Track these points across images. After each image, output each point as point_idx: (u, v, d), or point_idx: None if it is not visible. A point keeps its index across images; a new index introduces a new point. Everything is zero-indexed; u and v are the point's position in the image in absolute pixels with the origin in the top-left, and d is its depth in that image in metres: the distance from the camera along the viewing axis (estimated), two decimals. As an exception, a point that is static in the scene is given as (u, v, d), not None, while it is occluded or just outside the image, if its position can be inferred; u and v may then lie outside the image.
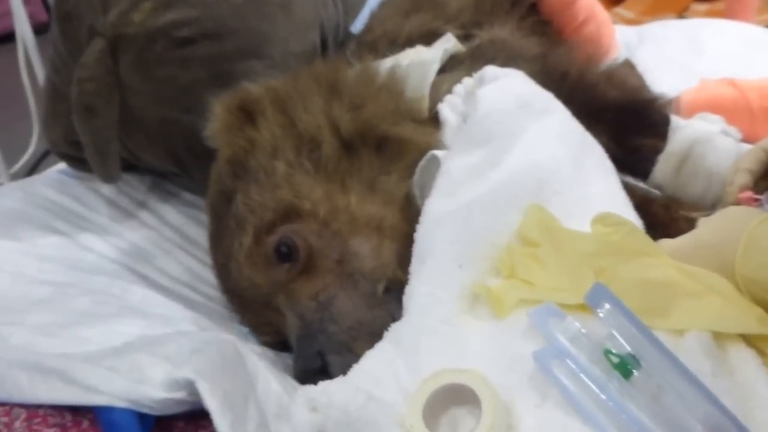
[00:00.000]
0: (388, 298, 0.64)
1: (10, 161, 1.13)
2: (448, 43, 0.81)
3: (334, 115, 0.70)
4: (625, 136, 0.74)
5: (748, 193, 0.64)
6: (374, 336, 0.58)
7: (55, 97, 0.87)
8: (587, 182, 0.59)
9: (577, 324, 0.47)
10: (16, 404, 0.56)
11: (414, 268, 0.58)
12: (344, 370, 0.54)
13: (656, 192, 0.74)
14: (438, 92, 0.75)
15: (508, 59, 0.77)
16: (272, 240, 0.67)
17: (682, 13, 1.86)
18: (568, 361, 0.45)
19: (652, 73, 1.06)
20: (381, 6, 1.04)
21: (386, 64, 0.78)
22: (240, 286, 0.70)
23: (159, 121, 0.82)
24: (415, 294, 0.56)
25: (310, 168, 0.70)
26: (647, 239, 0.54)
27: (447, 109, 0.73)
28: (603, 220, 0.55)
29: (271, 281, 0.67)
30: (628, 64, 1.06)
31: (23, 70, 1.06)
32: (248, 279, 0.68)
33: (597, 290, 0.47)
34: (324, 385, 0.50)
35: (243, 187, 0.71)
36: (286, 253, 0.66)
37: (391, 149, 0.71)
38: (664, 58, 1.20)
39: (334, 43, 1.03)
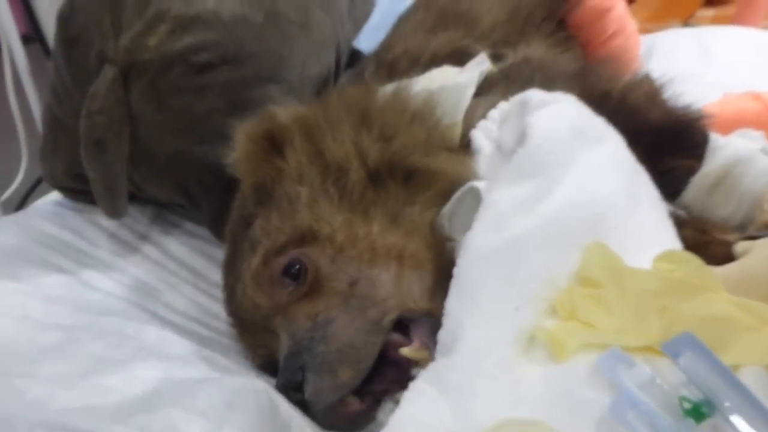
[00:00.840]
0: (398, 328, 0.64)
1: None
2: (483, 65, 0.81)
3: (363, 146, 0.71)
4: (661, 157, 0.75)
5: None
6: (361, 363, 0.59)
7: (57, 128, 0.85)
8: (641, 215, 0.60)
9: (648, 370, 0.48)
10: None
11: (459, 305, 0.57)
12: (318, 393, 0.56)
13: (684, 213, 0.76)
14: (472, 118, 0.76)
15: (545, 80, 0.77)
16: (281, 261, 0.67)
17: (687, 20, 1.89)
18: (643, 411, 0.45)
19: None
20: (401, 21, 1.03)
21: (418, 87, 0.78)
22: (242, 308, 0.70)
23: (170, 153, 0.81)
24: (468, 336, 0.55)
25: (335, 195, 0.70)
26: (712, 275, 0.55)
27: (481, 136, 0.73)
28: (668, 257, 0.55)
29: (273, 303, 0.67)
30: (649, 79, 1.09)
31: (13, 100, 1.04)
32: (251, 300, 0.68)
33: (683, 339, 0.47)
34: None
35: (264, 212, 0.71)
36: (293, 274, 0.66)
37: (419, 180, 0.71)
38: (676, 69, 1.23)
39: (347, 61, 1.04)
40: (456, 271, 0.60)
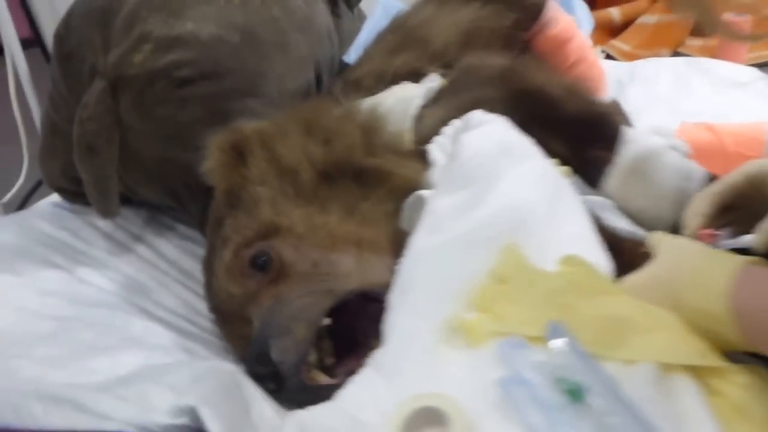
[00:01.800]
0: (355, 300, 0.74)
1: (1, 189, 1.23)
2: (434, 82, 0.93)
3: (309, 150, 0.83)
4: (580, 147, 0.85)
5: (707, 231, 0.74)
6: (312, 321, 0.70)
7: (54, 133, 0.97)
8: (561, 224, 0.70)
9: (537, 355, 0.57)
10: (31, 429, 0.66)
11: (396, 298, 0.68)
12: (283, 352, 0.66)
13: (626, 231, 0.85)
14: (421, 125, 0.87)
15: (479, 84, 0.89)
16: (249, 252, 0.78)
17: (676, 48, 1.97)
18: (528, 387, 0.55)
19: (641, 111, 1.18)
20: (372, 43, 1.16)
21: (368, 103, 0.90)
22: (219, 299, 0.81)
23: (157, 159, 0.93)
24: (398, 324, 0.66)
25: (291, 193, 0.82)
26: (605, 278, 0.64)
27: (436, 150, 0.84)
28: (568, 260, 0.65)
29: (245, 291, 0.78)
30: (616, 105, 1.19)
31: (16, 107, 1.17)
32: (225, 290, 0.79)
33: (554, 327, 0.57)
34: (313, 409, 0.60)
35: (234, 213, 0.82)
36: (260, 264, 0.77)
37: (369, 178, 0.83)
38: (654, 96, 1.33)
39: (329, 75, 1.15)
40: (398, 269, 0.70)
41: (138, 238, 1.05)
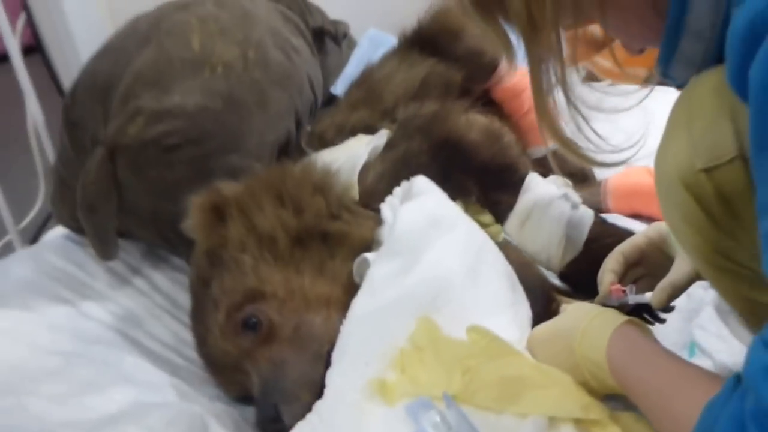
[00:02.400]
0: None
1: (18, 202, 1.40)
2: (381, 139, 1.07)
3: (283, 220, 0.97)
4: (489, 191, 0.99)
5: (617, 286, 0.89)
6: (315, 385, 0.84)
7: (63, 185, 1.13)
8: (478, 291, 0.84)
9: (437, 416, 0.73)
10: (36, 463, 0.83)
11: (335, 358, 0.83)
12: (294, 417, 0.80)
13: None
14: (365, 180, 1.04)
15: (408, 138, 1.06)
16: (240, 316, 0.93)
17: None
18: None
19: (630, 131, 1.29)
20: (343, 96, 1.31)
21: (323, 158, 1.06)
22: (215, 354, 0.96)
23: (150, 211, 1.09)
24: (332, 383, 0.81)
25: (270, 259, 0.96)
26: (505, 343, 0.79)
27: (387, 209, 0.98)
28: (473, 330, 0.80)
29: (239, 349, 0.92)
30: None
31: (35, 151, 1.33)
32: (221, 348, 0.94)
33: (446, 397, 0.72)
34: None
35: (218, 274, 0.96)
36: (251, 326, 0.91)
37: (334, 239, 0.97)
38: (616, 129, 1.42)
39: (310, 117, 1.29)
40: (341, 330, 0.85)
41: (136, 271, 1.21)
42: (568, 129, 0.76)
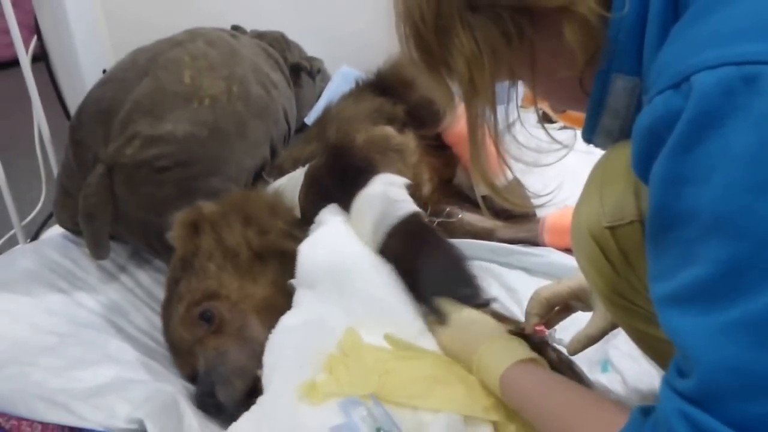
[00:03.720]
0: None
1: (21, 203, 1.63)
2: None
3: (248, 237, 1.21)
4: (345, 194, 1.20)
5: (541, 328, 1.08)
6: (246, 377, 1.07)
7: (65, 194, 1.36)
8: (383, 303, 1.09)
9: (364, 410, 0.96)
10: (36, 421, 1.06)
11: (271, 361, 1.06)
12: (226, 397, 1.04)
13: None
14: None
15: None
16: (198, 309, 1.16)
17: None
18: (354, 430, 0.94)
19: (550, 180, 1.50)
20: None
21: (275, 184, 1.29)
22: (174, 339, 1.20)
23: (139, 221, 1.32)
24: (272, 384, 1.03)
25: (231, 269, 1.20)
26: (419, 348, 1.02)
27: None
28: (389, 338, 1.04)
29: (194, 336, 1.16)
30: (516, 183, 1.54)
31: (39, 155, 1.56)
32: (179, 334, 1.18)
33: (372, 396, 0.95)
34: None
35: (187, 276, 1.20)
36: (206, 318, 1.15)
37: (289, 258, 1.20)
38: (564, 168, 1.64)
39: (284, 144, 1.52)
40: (270, 338, 1.09)
41: (122, 269, 1.44)
42: (497, 177, 0.90)
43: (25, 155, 1.72)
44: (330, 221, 1.20)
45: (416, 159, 1.30)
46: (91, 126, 1.30)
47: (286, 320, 1.11)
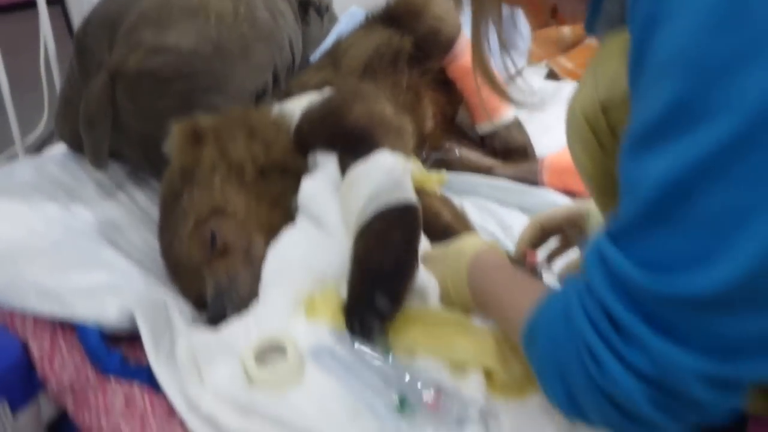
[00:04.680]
0: None
1: (24, 129, 1.65)
2: (316, 97, 1.30)
3: (254, 151, 1.21)
4: (346, 157, 1.16)
5: (531, 253, 1.11)
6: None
7: (67, 104, 1.38)
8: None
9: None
10: (28, 314, 1.08)
11: (272, 270, 1.08)
12: None
13: None
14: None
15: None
16: (206, 228, 1.15)
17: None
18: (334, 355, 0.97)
19: (552, 129, 1.53)
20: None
21: (284, 108, 1.29)
22: (180, 258, 1.18)
23: (139, 133, 1.33)
24: (271, 292, 1.06)
25: (236, 184, 1.19)
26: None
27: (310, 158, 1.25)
28: None
29: (201, 257, 1.15)
30: (517, 122, 1.56)
31: (43, 71, 1.57)
32: (187, 254, 1.17)
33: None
34: (199, 331, 1.02)
35: (189, 188, 1.19)
36: (213, 240, 1.15)
37: (291, 176, 1.21)
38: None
39: (287, 77, 1.54)
40: (275, 246, 1.11)
41: (120, 187, 1.46)
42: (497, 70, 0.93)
43: (33, 88, 1.73)
44: (331, 164, 1.19)
45: (413, 145, 1.27)
46: (97, 35, 1.31)
47: (291, 233, 1.12)
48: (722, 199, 0.54)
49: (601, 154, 0.85)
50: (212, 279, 1.15)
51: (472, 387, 0.94)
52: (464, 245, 1.01)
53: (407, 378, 0.94)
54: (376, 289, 0.96)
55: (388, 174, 1.06)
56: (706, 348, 0.58)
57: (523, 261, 1.11)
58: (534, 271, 1.10)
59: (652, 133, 0.58)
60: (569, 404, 0.68)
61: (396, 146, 1.15)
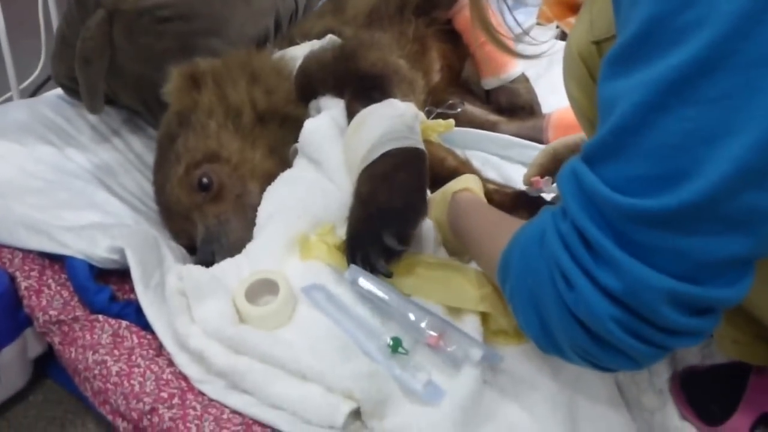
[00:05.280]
0: None
1: (21, 75, 1.62)
2: (319, 44, 1.27)
3: (254, 96, 1.18)
4: (353, 100, 1.13)
5: (536, 179, 1.12)
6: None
7: (63, 43, 1.35)
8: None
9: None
10: (17, 248, 1.06)
11: (268, 208, 1.06)
12: None
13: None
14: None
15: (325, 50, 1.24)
16: (198, 173, 1.13)
17: None
18: (325, 291, 0.95)
19: (560, 88, 1.50)
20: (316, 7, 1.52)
21: (286, 54, 1.25)
22: (171, 201, 1.16)
23: (136, 75, 1.31)
24: (266, 229, 1.04)
25: (233, 129, 1.16)
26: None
27: (312, 109, 1.21)
28: None
29: (192, 201, 1.13)
30: (524, 78, 1.53)
31: (41, 14, 1.55)
32: (177, 197, 1.14)
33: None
34: (190, 266, 1.00)
35: (184, 132, 1.17)
36: (205, 184, 1.12)
37: (289, 124, 1.18)
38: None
39: (289, 23, 1.50)
40: (271, 186, 1.09)
41: (116, 132, 1.44)
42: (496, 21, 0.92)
43: (29, 35, 1.71)
44: (335, 107, 1.15)
45: (423, 98, 1.25)
46: (96, -30, 1.28)
47: (288, 175, 1.10)
48: (692, 118, 0.54)
49: (594, 89, 0.86)
50: (202, 223, 1.13)
51: (468, 330, 0.93)
52: (448, 187, 1.02)
53: (412, 317, 0.92)
54: (385, 228, 0.94)
55: (400, 118, 1.04)
56: (674, 268, 0.58)
57: (530, 187, 1.13)
58: (539, 194, 1.11)
59: (627, 53, 0.58)
60: (543, 334, 0.69)
61: (407, 97, 1.13)
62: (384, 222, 0.94)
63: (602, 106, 0.62)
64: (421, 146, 1.02)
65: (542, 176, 1.14)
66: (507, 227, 0.78)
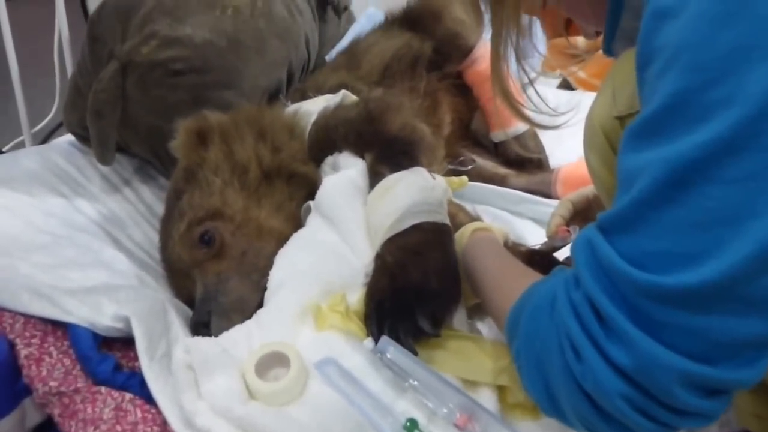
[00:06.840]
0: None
1: (34, 115, 1.54)
2: (333, 99, 1.19)
3: (260, 153, 1.09)
4: (377, 162, 1.04)
5: (563, 228, 1.05)
6: (246, 312, 0.96)
7: (77, 92, 1.27)
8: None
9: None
10: (19, 313, 0.97)
11: (279, 276, 0.96)
12: (219, 330, 0.92)
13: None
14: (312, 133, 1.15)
15: (348, 109, 1.16)
16: (199, 230, 1.04)
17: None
18: (337, 366, 0.85)
19: (566, 141, 1.43)
20: (329, 61, 1.45)
21: (299, 109, 1.17)
22: (172, 258, 1.08)
23: (149, 126, 1.23)
24: (279, 295, 0.94)
25: (238, 187, 1.08)
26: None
27: (327, 167, 1.11)
28: None
29: (192, 259, 1.04)
30: (532, 132, 1.44)
31: (56, 58, 1.46)
32: (178, 254, 1.06)
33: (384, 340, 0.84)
34: (198, 339, 0.90)
35: (190, 189, 1.08)
36: (206, 240, 1.03)
37: (298, 181, 1.10)
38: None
39: (302, 74, 1.42)
40: (283, 250, 0.99)
41: (126, 182, 1.35)
42: (516, 91, 0.88)
43: (45, 74, 1.62)
44: (356, 167, 1.05)
45: (443, 169, 1.17)
46: (110, 22, 1.21)
47: (301, 238, 1.00)
48: (716, 197, 0.52)
49: (615, 163, 0.81)
50: (201, 281, 1.04)
51: (485, 404, 0.83)
52: (462, 231, 0.95)
53: (439, 394, 0.82)
54: (420, 309, 0.85)
55: (432, 191, 0.97)
56: (689, 347, 0.55)
57: (555, 237, 1.08)
58: (565, 244, 1.06)
59: (652, 126, 0.56)
60: (548, 400, 0.65)
61: (431, 165, 1.06)
62: (419, 303, 0.86)
63: (622, 178, 0.59)
64: (449, 223, 0.94)
65: (566, 225, 1.08)
66: (521, 280, 0.75)
